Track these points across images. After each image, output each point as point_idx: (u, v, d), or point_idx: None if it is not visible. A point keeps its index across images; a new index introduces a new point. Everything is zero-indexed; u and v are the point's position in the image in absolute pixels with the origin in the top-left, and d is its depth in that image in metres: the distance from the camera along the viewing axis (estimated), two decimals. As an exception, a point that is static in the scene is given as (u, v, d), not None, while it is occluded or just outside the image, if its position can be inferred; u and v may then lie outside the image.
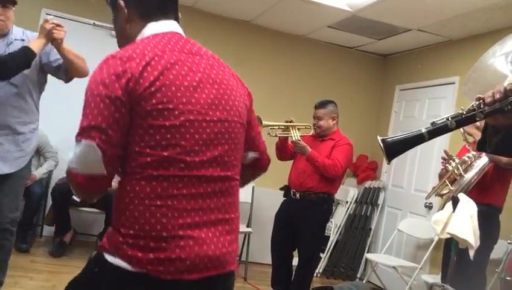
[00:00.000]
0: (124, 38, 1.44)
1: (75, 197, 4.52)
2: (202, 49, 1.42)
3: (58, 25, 2.71)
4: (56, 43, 2.74)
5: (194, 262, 1.27)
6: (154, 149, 1.25)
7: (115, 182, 1.35)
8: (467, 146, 3.24)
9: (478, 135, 2.90)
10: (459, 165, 3.06)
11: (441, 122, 1.33)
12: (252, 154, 1.58)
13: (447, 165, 3.17)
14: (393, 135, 1.40)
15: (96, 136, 1.24)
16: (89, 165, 1.26)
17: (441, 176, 3.36)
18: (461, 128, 3.16)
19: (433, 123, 1.34)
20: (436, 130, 1.34)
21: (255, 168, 1.63)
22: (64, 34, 2.73)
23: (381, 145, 1.38)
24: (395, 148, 1.39)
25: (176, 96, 1.28)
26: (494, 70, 1.48)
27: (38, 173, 4.81)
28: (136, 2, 1.41)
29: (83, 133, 1.25)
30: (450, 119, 1.32)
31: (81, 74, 2.92)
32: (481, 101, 1.29)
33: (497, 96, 1.26)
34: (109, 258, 1.27)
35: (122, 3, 1.41)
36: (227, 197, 1.38)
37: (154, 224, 1.25)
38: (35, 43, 2.72)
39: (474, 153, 3.10)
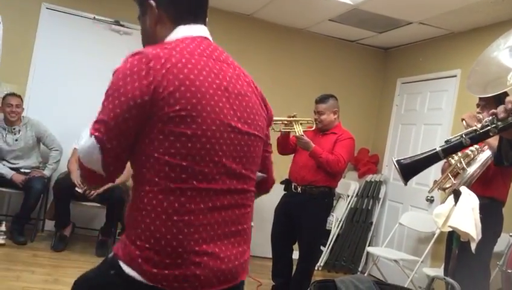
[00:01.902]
0: (152, 39, 1.38)
1: (78, 189, 4.53)
2: (229, 58, 1.39)
3: None
4: None
5: (208, 278, 1.26)
6: (173, 157, 1.22)
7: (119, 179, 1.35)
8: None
9: None
10: (462, 159, 3.04)
11: (455, 140, 1.34)
12: (259, 175, 1.53)
13: (449, 158, 3.16)
14: (407, 156, 1.40)
15: (101, 135, 1.22)
16: (90, 161, 1.25)
17: (443, 170, 3.35)
18: (464, 122, 3.15)
19: (447, 141, 1.36)
20: (451, 148, 1.35)
21: (259, 189, 1.58)
22: None
23: (397, 166, 1.38)
24: (410, 169, 1.39)
25: (201, 104, 1.23)
26: (498, 63, 1.48)
27: (47, 170, 4.83)
28: (169, 2, 1.36)
29: (95, 124, 1.24)
30: (464, 136, 1.33)
31: None
32: (494, 116, 1.29)
33: (509, 106, 1.26)
34: (124, 267, 1.26)
35: (153, 3, 1.35)
36: (242, 208, 1.36)
37: (170, 240, 1.22)
38: None
39: (477, 146, 3.09)
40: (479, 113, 3.14)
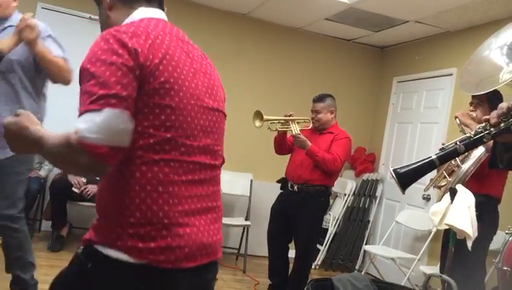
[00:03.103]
0: (108, 26, 1.37)
1: (74, 189, 4.51)
2: (190, 40, 1.44)
3: (28, 26, 2.66)
4: (27, 42, 2.69)
5: (192, 250, 1.27)
6: (157, 130, 1.22)
7: None
8: (464, 137, 3.24)
9: (475, 126, 2.90)
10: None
11: (450, 147, 1.37)
12: None
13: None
14: (404, 165, 1.43)
15: (117, 105, 1.14)
16: (116, 135, 1.15)
17: (438, 168, 3.37)
18: (457, 120, 3.16)
19: (442, 149, 1.37)
20: (446, 155, 1.37)
21: None
22: (34, 36, 2.68)
23: (394, 176, 1.41)
24: (407, 178, 1.42)
25: (181, 78, 1.28)
26: (490, 62, 1.49)
27: (43, 171, 4.82)
28: None
29: (100, 100, 1.13)
30: (458, 143, 1.35)
31: (57, 80, 2.95)
32: (487, 122, 1.31)
33: (500, 112, 1.28)
34: (104, 250, 1.23)
35: None
36: (214, 185, 1.39)
37: (156, 211, 1.22)
38: (6, 40, 2.68)
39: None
40: (472, 111, 3.16)
